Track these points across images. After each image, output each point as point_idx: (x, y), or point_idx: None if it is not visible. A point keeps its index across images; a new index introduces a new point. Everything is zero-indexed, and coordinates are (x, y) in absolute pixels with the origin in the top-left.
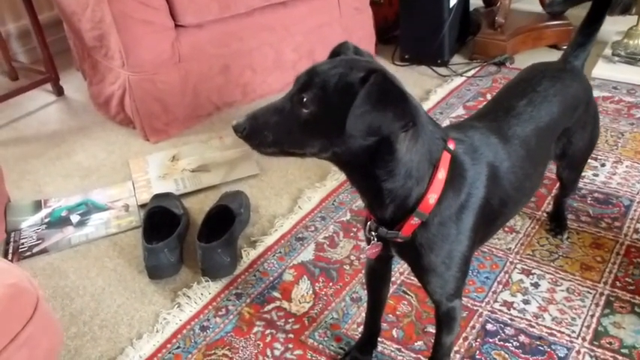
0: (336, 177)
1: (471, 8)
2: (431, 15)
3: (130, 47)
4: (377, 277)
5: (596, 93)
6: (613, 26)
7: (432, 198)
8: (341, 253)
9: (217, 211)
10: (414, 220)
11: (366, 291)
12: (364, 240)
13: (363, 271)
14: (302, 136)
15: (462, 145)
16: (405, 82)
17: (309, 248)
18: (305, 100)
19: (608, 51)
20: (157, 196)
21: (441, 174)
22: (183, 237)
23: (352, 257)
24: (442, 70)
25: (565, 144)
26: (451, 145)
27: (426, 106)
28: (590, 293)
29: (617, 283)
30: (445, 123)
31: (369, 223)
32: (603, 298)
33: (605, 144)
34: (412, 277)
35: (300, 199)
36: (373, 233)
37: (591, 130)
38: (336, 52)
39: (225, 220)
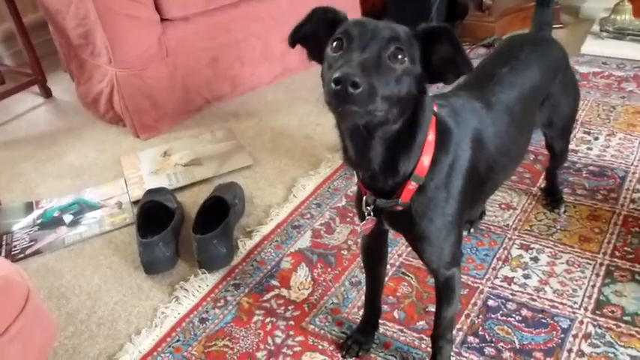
0: (330, 164)
1: None
2: (418, 0)
3: (116, 43)
4: (373, 253)
5: (585, 69)
6: (600, 3)
7: (426, 160)
8: (338, 238)
9: (212, 202)
10: (412, 185)
11: (364, 275)
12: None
13: (360, 250)
14: (405, 93)
15: (444, 109)
16: None
17: (306, 235)
18: (402, 56)
19: (596, 27)
20: (149, 191)
21: (431, 136)
22: (177, 230)
23: (350, 242)
24: None
25: (551, 111)
26: (435, 108)
27: None
28: (590, 264)
29: (617, 253)
30: None
31: (364, 197)
32: (603, 268)
33: (597, 118)
34: (411, 259)
35: (294, 188)
36: (370, 207)
37: (574, 95)
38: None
39: (220, 212)
